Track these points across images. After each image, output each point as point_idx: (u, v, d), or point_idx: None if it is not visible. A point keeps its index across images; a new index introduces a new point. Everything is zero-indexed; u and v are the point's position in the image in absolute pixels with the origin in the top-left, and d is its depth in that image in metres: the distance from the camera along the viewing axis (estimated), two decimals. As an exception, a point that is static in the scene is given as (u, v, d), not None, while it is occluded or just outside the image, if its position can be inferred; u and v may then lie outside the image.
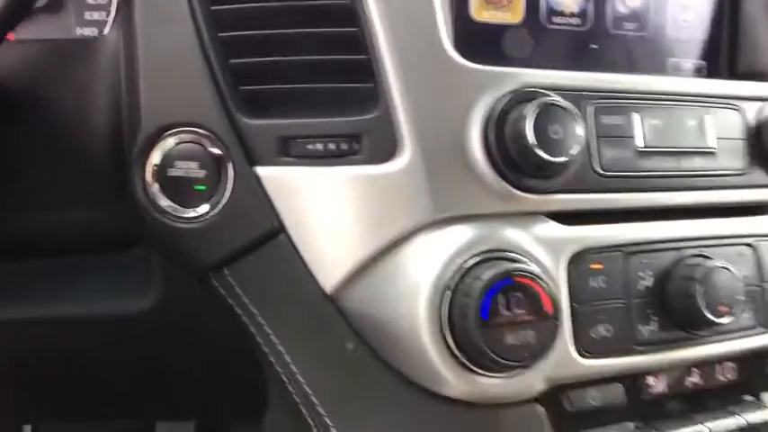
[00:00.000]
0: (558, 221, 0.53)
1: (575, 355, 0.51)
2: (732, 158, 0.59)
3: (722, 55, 0.68)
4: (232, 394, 0.79)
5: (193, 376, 0.76)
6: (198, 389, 0.80)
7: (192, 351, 0.71)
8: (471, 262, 0.48)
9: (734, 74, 0.68)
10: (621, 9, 0.64)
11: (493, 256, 0.49)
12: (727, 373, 0.59)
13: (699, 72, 0.68)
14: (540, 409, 0.51)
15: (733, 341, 0.57)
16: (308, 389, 0.52)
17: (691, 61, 0.68)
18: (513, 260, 0.49)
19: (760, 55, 0.68)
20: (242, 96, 0.52)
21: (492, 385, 0.49)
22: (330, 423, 0.51)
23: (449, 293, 0.48)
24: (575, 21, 0.63)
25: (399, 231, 0.50)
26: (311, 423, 0.52)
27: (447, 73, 0.51)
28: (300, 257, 0.52)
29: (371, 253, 0.50)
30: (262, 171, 0.52)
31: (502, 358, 0.46)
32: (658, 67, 0.66)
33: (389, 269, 0.50)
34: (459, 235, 0.50)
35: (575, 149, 0.49)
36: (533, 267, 0.48)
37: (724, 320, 0.53)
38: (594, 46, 0.64)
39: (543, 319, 0.47)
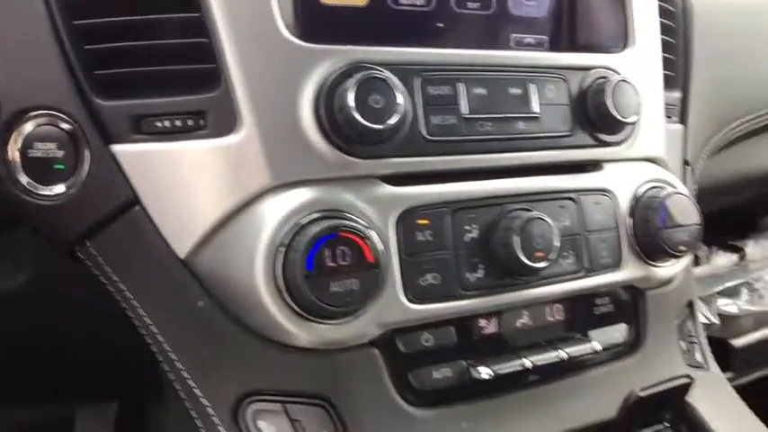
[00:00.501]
0: (393, 183, 0.59)
1: (404, 301, 0.57)
2: (557, 122, 0.66)
3: (563, 30, 0.75)
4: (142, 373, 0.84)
5: (95, 355, 0.80)
6: (105, 368, 0.84)
7: (83, 328, 0.75)
8: (304, 221, 0.53)
9: (574, 47, 0.74)
10: (465, -11, 0.70)
11: (324, 215, 0.54)
12: (556, 314, 0.66)
13: (541, 46, 0.74)
14: (376, 351, 0.57)
15: (558, 285, 0.64)
16: (166, 347, 0.57)
17: (533, 37, 0.74)
18: (342, 218, 0.54)
19: (597, 30, 0.75)
20: (96, 80, 0.56)
21: (328, 331, 0.54)
22: (188, 376, 0.57)
23: (282, 250, 0.53)
24: (419, 2, 0.68)
25: (242, 198, 0.55)
26: (173, 379, 0.58)
27: (281, 53, 0.56)
28: (155, 226, 0.56)
29: (218, 219, 0.55)
30: (117, 148, 0.56)
31: (328, 305, 0.52)
32: (502, 43, 0.71)
33: (234, 233, 0.55)
34: (295, 198, 0.55)
35: (394, 118, 0.55)
36: (357, 224, 0.54)
37: (540, 265, 0.59)
38: (440, 24, 0.69)
39: (366, 269, 0.53)
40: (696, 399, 0.71)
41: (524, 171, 0.65)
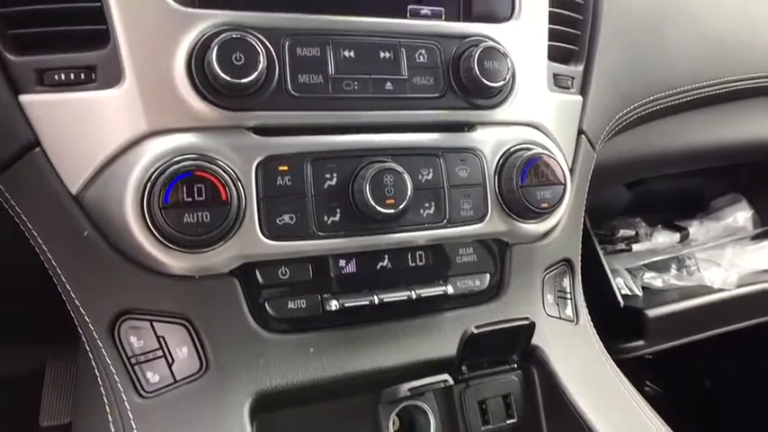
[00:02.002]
0: (263, 134, 0.66)
1: (261, 237, 0.64)
2: (428, 86, 0.72)
3: (458, 1, 0.80)
4: None
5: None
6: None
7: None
8: (169, 162, 0.61)
9: (468, 17, 0.80)
10: (361, -39, 0.76)
11: (188, 158, 0.62)
12: (417, 260, 0.72)
13: (436, 16, 0.80)
14: (235, 280, 0.65)
15: (417, 232, 0.70)
16: (58, 270, 0.66)
17: (429, 8, 0.80)
18: (203, 161, 0.61)
19: (489, 2, 0.80)
20: (9, 38, 0.65)
21: (190, 259, 0.62)
22: (74, 296, 0.65)
23: (149, 185, 0.61)
24: (316, -28, 0.75)
25: (122, 141, 0.63)
26: (65, 300, 0.66)
27: (160, 16, 0.64)
28: (52, 166, 0.65)
29: (103, 159, 0.63)
30: (23, 98, 0.64)
31: (181, 233, 0.60)
32: (398, 12, 0.78)
33: (115, 171, 0.63)
34: (167, 143, 0.62)
35: (253, 74, 0.62)
36: (215, 165, 0.61)
37: (390, 211, 0.66)
38: None
39: (218, 205, 0.60)
40: (549, 345, 0.76)
41: (393, 129, 0.71)
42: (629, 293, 1.19)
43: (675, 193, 1.40)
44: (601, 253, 1.16)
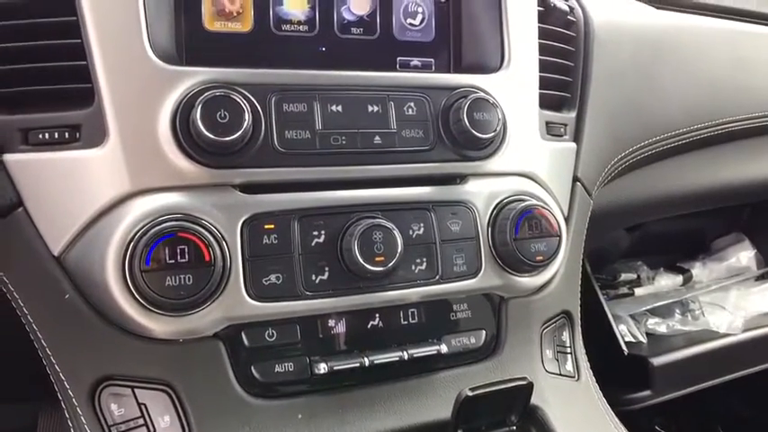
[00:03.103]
0: (249, 192, 0.65)
1: (247, 298, 0.62)
2: (417, 138, 0.71)
3: (448, 53, 0.80)
4: None
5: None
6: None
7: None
8: (152, 222, 0.60)
9: (458, 68, 0.80)
10: (348, 17, 0.77)
11: (172, 218, 0.60)
12: (410, 318, 0.70)
13: (426, 68, 0.80)
14: (220, 344, 0.63)
15: (409, 289, 0.68)
16: (39, 335, 0.63)
17: (419, 59, 0.80)
18: (187, 221, 0.60)
19: (478, 53, 0.80)
20: None
21: (173, 323, 0.60)
22: (54, 361, 0.63)
23: (131, 247, 0.59)
24: (302, 28, 0.75)
25: (105, 202, 0.62)
26: (46, 365, 0.64)
27: (144, 75, 0.63)
28: (35, 226, 0.63)
29: (86, 221, 0.62)
30: (7, 157, 0.64)
31: (163, 297, 0.58)
32: (388, 65, 0.78)
33: (98, 233, 0.62)
34: (150, 203, 0.61)
35: (238, 131, 0.61)
36: (199, 226, 0.59)
37: (379, 269, 0.64)
38: (323, 48, 0.76)
39: (202, 267, 0.59)
40: (549, 404, 0.73)
41: (383, 183, 0.70)
42: (633, 340, 1.15)
43: (676, 235, 1.38)
44: (603, 299, 1.13)
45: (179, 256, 0.59)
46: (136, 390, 0.62)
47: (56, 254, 0.63)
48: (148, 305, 0.59)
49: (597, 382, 0.91)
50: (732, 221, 1.47)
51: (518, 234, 0.71)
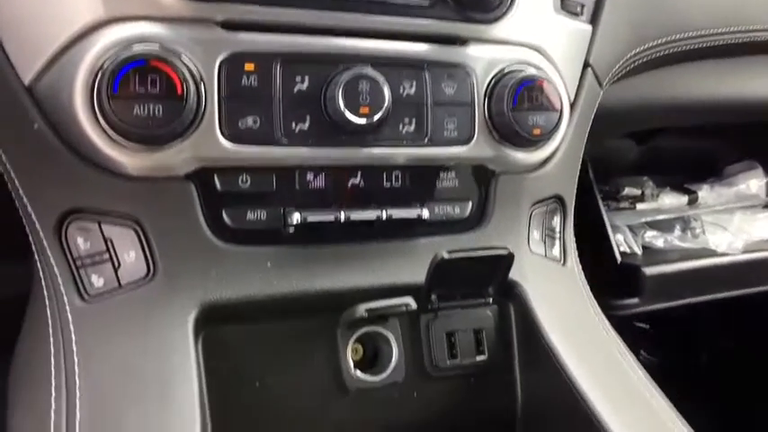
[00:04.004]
0: (231, 29, 0.60)
1: (222, 139, 0.59)
2: None
3: None
4: None
5: None
6: None
7: None
8: (123, 49, 0.56)
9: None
10: None
11: (144, 46, 0.56)
12: (393, 181, 0.66)
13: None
14: (191, 185, 0.60)
15: (393, 148, 0.64)
16: (8, 166, 0.61)
17: None
18: (162, 51, 0.56)
19: None
20: None
21: (142, 158, 0.57)
22: (23, 194, 0.61)
23: (100, 73, 0.55)
24: None
25: (78, 28, 0.58)
26: (15, 198, 0.62)
27: None
28: (5, 54, 0.59)
29: (58, 47, 0.58)
30: None
31: (130, 126, 0.55)
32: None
33: (69, 60, 0.58)
34: (124, 31, 0.57)
35: None
36: (173, 56, 0.56)
37: (362, 121, 0.60)
38: None
39: (172, 98, 0.55)
40: (529, 282, 0.71)
41: (376, 35, 0.65)
42: (628, 251, 1.13)
43: (687, 155, 1.33)
44: (602, 206, 1.10)
45: (150, 86, 0.55)
46: (102, 224, 0.60)
47: (26, 83, 0.59)
48: (116, 135, 0.56)
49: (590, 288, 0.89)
50: (746, 148, 1.41)
51: (516, 104, 0.67)
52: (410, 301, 0.61)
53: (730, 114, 1.13)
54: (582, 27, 0.81)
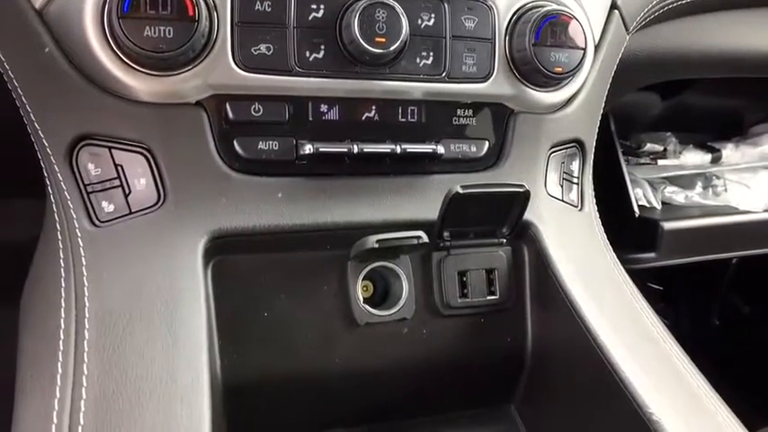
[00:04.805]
0: None
1: (233, 66, 0.57)
2: None
3: None
4: None
5: None
6: None
7: None
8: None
9: None
10: None
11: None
12: (409, 116, 0.65)
13: None
14: (202, 112, 0.59)
15: (411, 83, 0.63)
16: (20, 91, 0.60)
17: None
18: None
19: None
20: None
21: (153, 82, 0.56)
22: (33, 118, 0.60)
23: None
24: None
25: None
26: (26, 123, 0.61)
27: None
28: None
29: None
30: None
31: (141, 47, 0.53)
32: None
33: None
34: (135, -51, 0.56)
35: None
36: None
37: (379, 51, 0.58)
38: None
39: (183, 20, 0.54)
40: (545, 223, 0.70)
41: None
42: (647, 205, 1.11)
43: (713, 112, 1.29)
44: (622, 160, 1.07)
45: (161, 7, 0.53)
46: (113, 150, 0.59)
47: (37, 7, 0.58)
48: (126, 59, 0.55)
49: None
50: (776, 108, 1.36)
51: (539, 39, 0.64)
52: (422, 235, 0.60)
53: (758, 68, 1.08)
54: (610, -33, 0.78)
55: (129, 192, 0.59)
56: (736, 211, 1.08)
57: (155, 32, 0.54)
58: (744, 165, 1.20)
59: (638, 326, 0.67)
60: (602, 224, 0.87)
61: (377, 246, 0.58)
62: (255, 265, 0.64)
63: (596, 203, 0.86)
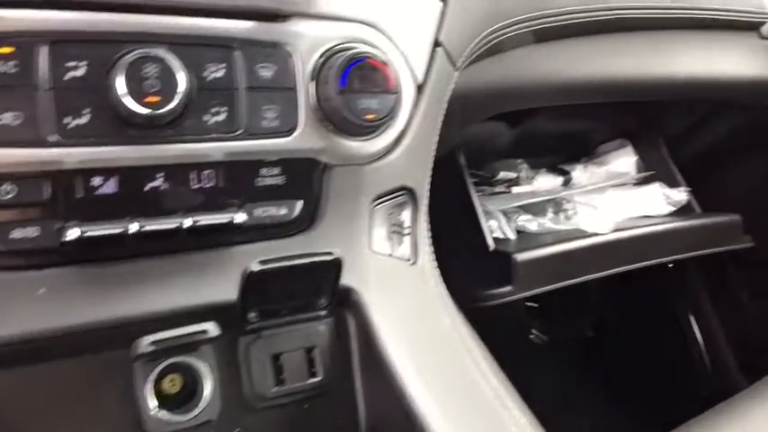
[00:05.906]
0: None
1: None
2: None
3: None
4: None
5: None
6: None
7: None
8: None
9: None
10: None
11: None
12: (204, 182, 0.57)
13: None
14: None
15: (199, 144, 0.55)
16: None
17: None
18: None
19: None
20: None
21: None
22: None
23: None
24: None
25: None
26: None
27: None
28: None
29: None
30: None
31: None
32: None
33: None
34: None
35: None
36: None
37: (148, 111, 0.50)
38: None
39: None
40: (369, 287, 0.64)
41: (173, 11, 0.55)
42: (502, 236, 1.10)
43: (561, 136, 1.32)
44: (472, 192, 1.05)
45: None
46: None
47: None
48: None
49: (464, 279, 0.84)
50: (618, 128, 1.42)
51: (345, 86, 0.59)
52: (209, 328, 0.52)
53: (601, 94, 1.11)
54: (429, 2, 0.75)
55: None
56: (586, 235, 1.10)
57: None
58: (591, 186, 1.24)
59: (474, 396, 0.62)
60: (459, 261, 0.83)
61: (150, 350, 0.50)
62: (13, 384, 0.52)
63: (449, 240, 0.83)
